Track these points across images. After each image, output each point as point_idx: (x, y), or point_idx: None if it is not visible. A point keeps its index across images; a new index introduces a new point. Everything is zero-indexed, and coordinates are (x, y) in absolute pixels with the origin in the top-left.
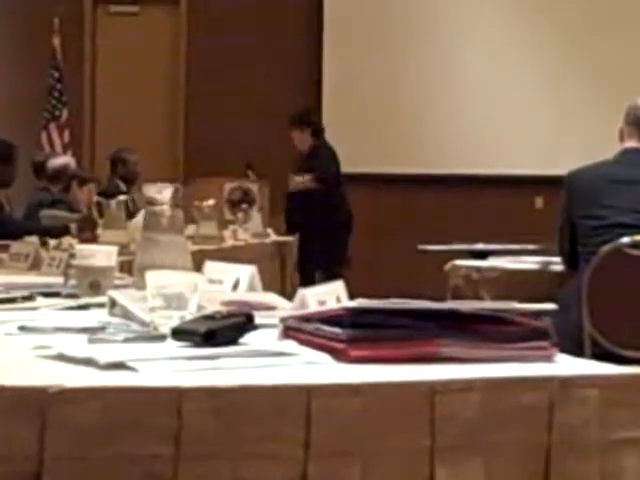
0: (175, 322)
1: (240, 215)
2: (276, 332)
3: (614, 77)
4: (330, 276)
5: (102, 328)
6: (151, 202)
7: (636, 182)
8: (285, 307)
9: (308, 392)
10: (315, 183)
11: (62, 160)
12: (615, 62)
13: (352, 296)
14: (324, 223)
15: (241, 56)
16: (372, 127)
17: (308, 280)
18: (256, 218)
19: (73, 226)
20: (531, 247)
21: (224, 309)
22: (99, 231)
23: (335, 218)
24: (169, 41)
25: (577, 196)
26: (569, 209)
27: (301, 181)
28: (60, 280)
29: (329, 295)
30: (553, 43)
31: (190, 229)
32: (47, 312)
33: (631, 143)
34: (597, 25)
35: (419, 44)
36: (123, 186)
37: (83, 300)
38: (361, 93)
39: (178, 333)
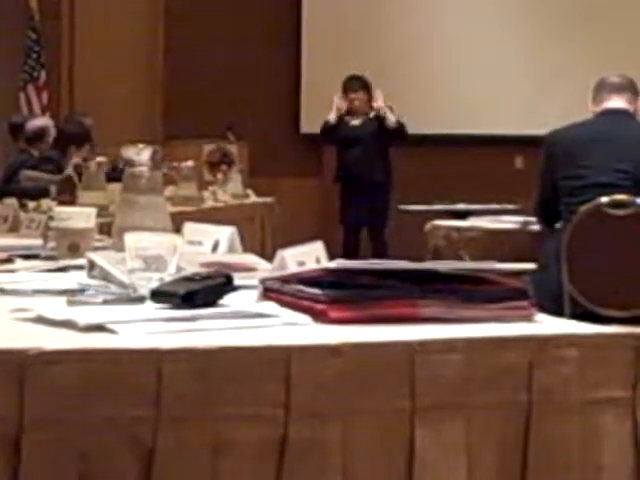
0: (154, 284)
1: (219, 176)
2: (256, 293)
3: (595, 40)
4: (379, 230)
5: (81, 290)
6: (130, 164)
7: (615, 141)
8: (265, 268)
9: (288, 353)
10: (398, 121)
11: (41, 122)
12: (596, 25)
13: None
14: (381, 175)
15: (220, 18)
16: None
17: (353, 233)
18: (236, 179)
19: (52, 188)
20: (511, 207)
21: (203, 270)
22: (78, 193)
23: (389, 173)
24: (148, 2)
25: (558, 157)
26: (550, 170)
27: (394, 117)
28: (39, 242)
29: (308, 256)
30: (537, 5)
31: (169, 190)
32: (26, 274)
33: (607, 105)
34: None
35: (402, 6)
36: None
37: (62, 262)
38: (340, 56)
39: (157, 295)
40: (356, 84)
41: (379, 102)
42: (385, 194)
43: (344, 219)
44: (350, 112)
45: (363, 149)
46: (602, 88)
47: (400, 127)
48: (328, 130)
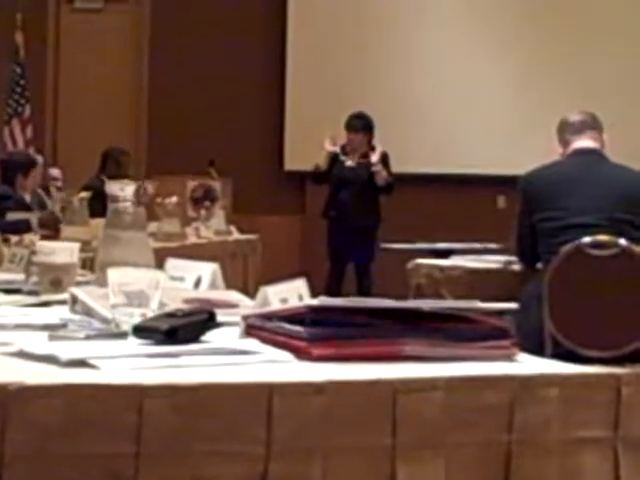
0: (137, 319)
1: (203, 212)
2: (238, 330)
3: (578, 81)
4: (364, 268)
5: (63, 325)
6: (114, 199)
7: (590, 181)
8: (247, 305)
9: (270, 390)
10: (387, 181)
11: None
12: (579, 67)
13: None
14: (370, 220)
15: (205, 53)
16: (334, 127)
17: (339, 270)
18: (219, 216)
19: (34, 221)
20: (493, 246)
21: (186, 307)
22: (61, 227)
23: (379, 217)
24: (132, 38)
25: (534, 199)
26: (528, 212)
27: (385, 175)
28: (21, 277)
29: (291, 293)
30: (520, 45)
31: (152, 226)
32: (8, 309)
33: (575, 146)
34: (560, 33)
35: (385, 43)
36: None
37: (44, 297)
38: (324, 92)
39: (140, 330)
40: (358, 124)
41: (374, 158)
42: (372, 234)
43: (331, 256)
44: (346, 150)
45: (354, 192)
46: (566, 129)
47: (387, 187)
48: (319, 176)
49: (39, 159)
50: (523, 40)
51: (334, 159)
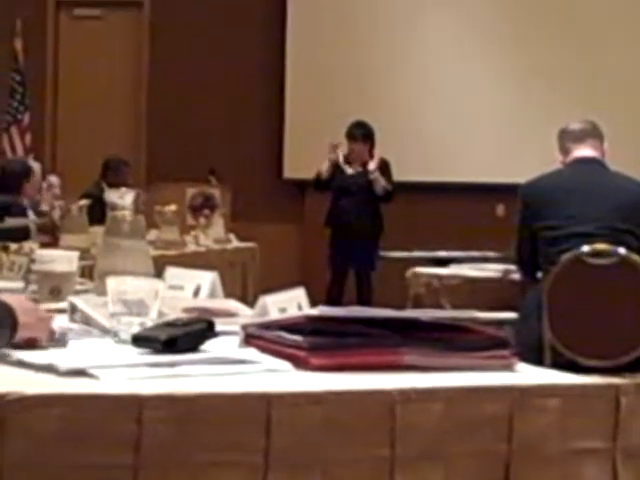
0: (136, 329)
1: (202, 220)
2: (237, 339)
3: (577, 90)
4: (365, 276)
5: (63, 334)
6: (113, 207)
7: (590, 191)
8: (246, 314)
9: (268, 400)
10: (385, 189)
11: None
12: (578, 75)
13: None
14: (371, 228)
15: (204, 61)
16: (334, 136)
17: (340, 277)
18: (218, 224)
19: (33, 227)
20: (492, 255)
21: (185, 316)
22: (60, 235)
23: (380, 225)
24: (132, 45)
25: (536, 207)
26: (528, 220)
27: (383, 183)
28: (20, 285)
29: (290, 302)
30: (519, 53)
31: (152, 234)
32: None
33: (575, 154)
34: (558, 39)
35: (385, 52)
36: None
37: (43, 305)
38: (323, 101)
39: (139, 340)
40: (358, 133)
41: (371, 166)
42: (373, 241)
43: (332, 263)
44: (348, 159)
45: (354, 200)
46: (566, 137)
47: (386, 196)
48: (320, 183)
49: (37, 166)
50: (522, 49)
51: (336, 167)
